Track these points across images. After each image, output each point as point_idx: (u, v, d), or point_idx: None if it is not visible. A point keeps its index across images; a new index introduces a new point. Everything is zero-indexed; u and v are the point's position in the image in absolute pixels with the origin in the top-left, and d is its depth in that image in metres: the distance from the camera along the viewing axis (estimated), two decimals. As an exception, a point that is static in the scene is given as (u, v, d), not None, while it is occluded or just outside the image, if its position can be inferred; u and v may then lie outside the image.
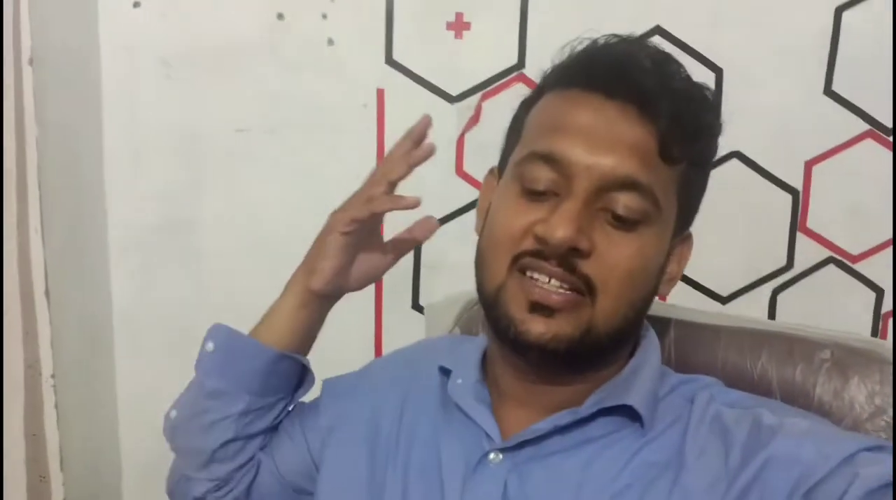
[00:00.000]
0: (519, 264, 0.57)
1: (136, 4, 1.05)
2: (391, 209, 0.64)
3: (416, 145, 0.65)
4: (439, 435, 0.65)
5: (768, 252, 1.08)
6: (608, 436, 0.59)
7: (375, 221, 0.67)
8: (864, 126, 1.03)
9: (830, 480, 0.50)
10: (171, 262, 1.14)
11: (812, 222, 1.07)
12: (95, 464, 1.15)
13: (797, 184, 1.06)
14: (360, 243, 0.68)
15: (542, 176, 0.56)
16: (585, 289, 0.55)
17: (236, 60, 1.07)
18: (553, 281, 0.55)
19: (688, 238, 0.63)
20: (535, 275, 0.56)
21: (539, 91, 0.62)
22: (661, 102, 0.55)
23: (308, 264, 0.70)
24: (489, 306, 0.59)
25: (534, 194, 0.57)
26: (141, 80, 1.08)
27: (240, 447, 0.72)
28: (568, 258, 0.54)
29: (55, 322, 1.03)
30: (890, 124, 1.03)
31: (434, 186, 1.02)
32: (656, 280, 0.59)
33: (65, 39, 1.02)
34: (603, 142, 0.55)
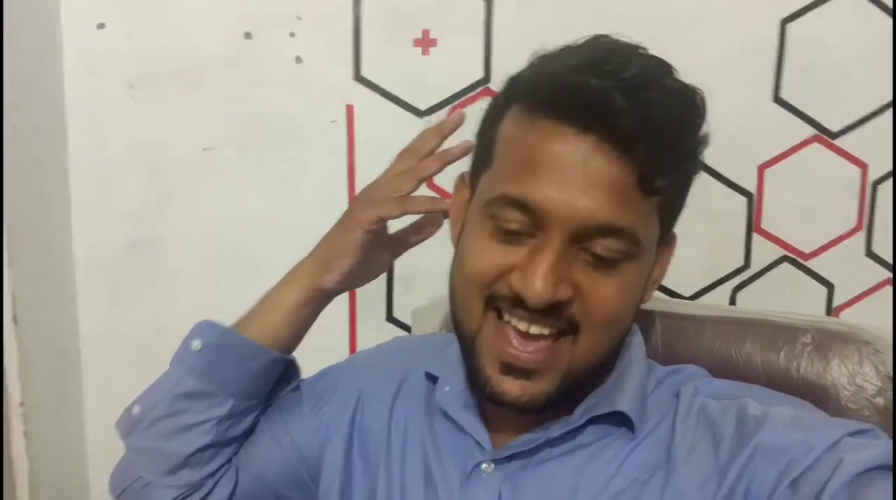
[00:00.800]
0: (494, 304, 0.55)
1: (100, 26, 1.04)
2: (429, 211, 0.61)
3: (443, 140, 0.62)
4: (429, 444, 0.64)
5: (727, 253, 1.13)
6: (599, 441, 0.59)
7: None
8: (810, 131, 1.09)
9: (815, 468, 0.50)
10: (141, 283, 1.12)
11: (766, 223, 1.12)
12: (66, 492, 1.12)
13: (751, 187, 1.11)
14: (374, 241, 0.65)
15: (516, 219, 0.52)
16: (569, 329, 0.54)
17: (204, 80, 1.07)
18: (534, 327, 0.53)
19: (671, 240, 0.61)
20: (514, 322, 0.54)
21: (507, 99, 0.57)
22: (638, 140, 0.50)
23: (321, 259, 0.66)
24: (466, 350, 0.58)
25: (507, 235, 0.53)
26: (106, 101, 1.07)
27: (214, 453, 0.67)
28: (549, 310, 0.52)
29: (23, 349, 1.01)
30: (834, 129, 1.09)
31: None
32: (639, 302, 0.58)
33: (28, 61, 1.01)
34: (578, 185, 0.51)
